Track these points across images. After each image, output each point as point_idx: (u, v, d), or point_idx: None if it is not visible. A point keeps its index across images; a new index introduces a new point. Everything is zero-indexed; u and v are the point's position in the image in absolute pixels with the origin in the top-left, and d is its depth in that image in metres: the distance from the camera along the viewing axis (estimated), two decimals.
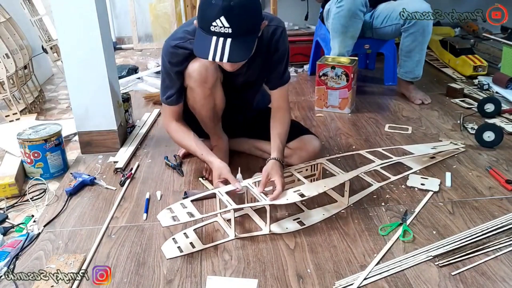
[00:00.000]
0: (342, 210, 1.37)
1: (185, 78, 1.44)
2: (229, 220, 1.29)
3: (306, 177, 1.42)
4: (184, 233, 1.27)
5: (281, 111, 1.50)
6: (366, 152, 1.66)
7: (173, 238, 1.26)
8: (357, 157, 1.69)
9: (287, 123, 1.50)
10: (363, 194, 1.45)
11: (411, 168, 1.60)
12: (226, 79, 1.49)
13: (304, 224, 1.30)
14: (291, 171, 1.44)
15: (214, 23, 1.17)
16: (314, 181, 1.46)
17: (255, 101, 1.66)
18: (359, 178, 1.53)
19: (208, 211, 1.37)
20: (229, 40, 1.18)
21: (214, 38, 1.19)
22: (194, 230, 1.29)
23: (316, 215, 1.35)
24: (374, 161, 1.54)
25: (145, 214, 1.38)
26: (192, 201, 1.29)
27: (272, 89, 1.50)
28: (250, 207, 1.35)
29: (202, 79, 1.41)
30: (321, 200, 1.42)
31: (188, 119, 1.56)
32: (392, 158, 1.60)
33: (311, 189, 1.32)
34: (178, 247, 1.22)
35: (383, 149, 1.70)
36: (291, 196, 1.29)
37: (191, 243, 1.24)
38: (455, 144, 1.77)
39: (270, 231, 1.27)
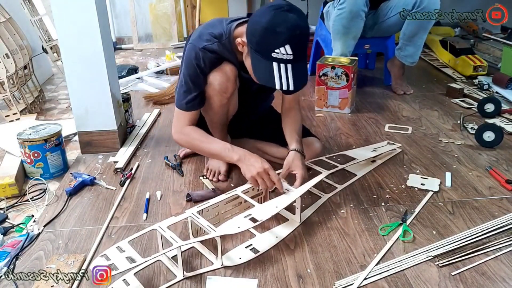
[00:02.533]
0: (294, 229, 1.28)
1: (206, 86, 1.42)
2: (173, 257, 1.15)
3: (252, 197, 1.32)
4: (124, 280, 1.09)
5: (293, 111, 1.51)
6: (310, 162, 1.55)
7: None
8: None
9: (300, 121, 1.51)
10: (313, 208, 1.37)
11: (356, 175, 1.56)
12: (242, 85, 1.48)
13: (259, 251, 1.19)
14: (237, 193, 1.30)
15: (277, 50, 1.17)
16: (262, 200, 1.36)
17: (263, 103, 1.66)
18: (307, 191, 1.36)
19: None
20: (289, 66, 1.20)
21: (275, 64, 1.19)
22: (134, 274, 1.11)
23: (269, 239, 1.24)
24: (321, 172, 1.45)
25: (145, 214, 1.38)
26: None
27: (286, 93, 1.49)
28: (188, 243, 1.16)
29: (223, 89, 1.40)
30: (271, 219, 1.30)
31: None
32: (337, 166, 1.54)
33: (262, 212, 1.20)
34: None
35: (326, 157, 1.63)
36: (242, 223, 1.16)
37: None
38: (392, 144, 1.78)
39: (222, 264, 1.14)
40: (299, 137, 1.44)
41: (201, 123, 1.53)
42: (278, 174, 1.33)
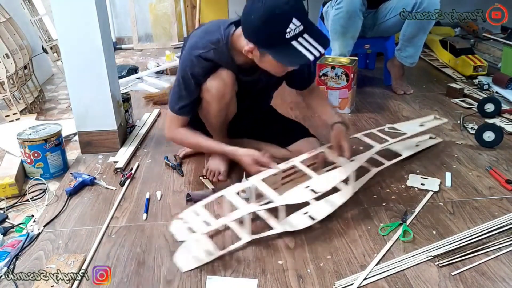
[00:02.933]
0: (348, 199, 1.36)
1: (202, 91, 1.42)
2: (241, 222, 1.25)
3: (308, 166, 1.41)
4: (197, 241, 1.20)
5: (315, 90, 1.59)
6: (362, 135, 1.66)
7: (185, 247, 1.19)
8: (355, 141, 1.68)
9: (325, 95, 1.59)
10: (362, 181, 1.45)
11: (401, 155, 1.65)
12: (242, 88, 1.47)
13: (315, 219, 1.29)
14: (295, 163, 1.40)
15: (288, 30, 1.17)
16: (315, 169, 1.42)
17: (262, 103, 1.66)
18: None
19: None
20: (306, 36, 1.20)
21: (294, 43, 1.20)
22: (204, 234, 1.21)
23: (325, 208, 1.32)
24: (373, 146, 1.55)
25: (145, 214, 1.38)
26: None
27: (301, 89, 1.54)
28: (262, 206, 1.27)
29: (220, 95, 1.41)
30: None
31: (192, 118, 1.54)
32: (388, 140, 1.62)
33: (321, 184, 1.30)
34: (194, 257, 1.16)
35: (377, 130, 1.72)
36: (303, 194, 1.27)
37: (206, 250, 1.18)
38: (439, 119, 1.83)
39: (283, 229, 1.25)
40: (333, 109, 1.49)
41: (201, 124, 1.54)
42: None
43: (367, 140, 1.60)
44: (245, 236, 1.22)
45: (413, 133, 1.69)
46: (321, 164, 1.49)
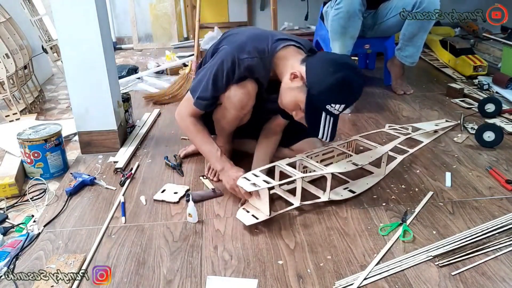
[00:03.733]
0: (380, 179, 1.54)
1: (224, 97, 1.42)
2: (288, 191, 1.42)
3: (341, 154, 1.60)
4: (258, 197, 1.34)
5: (276, 135, 1.61)
6: (388, 129, 1.88)
7: (243, 208, 1.35)
8: (382, 134, 1.90)
9: (274, 147, 1.62)
10: (392, 166, 1.62)
11: (422, 142, 1.82)
12: (257, 102, 1.46)
13: (355, 192, 1.45)
14: (334, 146, 1.58)
15: (333, 105, 1.26)
16: (348, 156, 1.57)
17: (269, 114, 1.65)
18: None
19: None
20: (332, 119, 1.29)
21: (324, 114, 1.28)
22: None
23: (361, 185, 1.50)
24: (399, 136, 1.74)
25: (123, 218, 1.37)
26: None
27: (284, 118, 1.55)
28: (310, 176, 1.46)
29: (242, 106, 1.41)
30: (358, 173, 1.55)
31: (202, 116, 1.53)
32: (410, 133, 1.81)
33: (362, 160, 1.47)
34: (252, 215, 1.31)
35: (400, 126, 1.92)
36: (347, 165, 1.42)
37: (262, 212, 1.32)
38: (450, 121, 2.01)
39: (329, 198, 1.39)
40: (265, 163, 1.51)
41: (211, 121, 1.55)
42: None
43: (392, 132, 1.83)
44: (296, 202, 1.37)
45: (430, 130, 1.87)
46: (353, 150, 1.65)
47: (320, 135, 1.30)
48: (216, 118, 1.53)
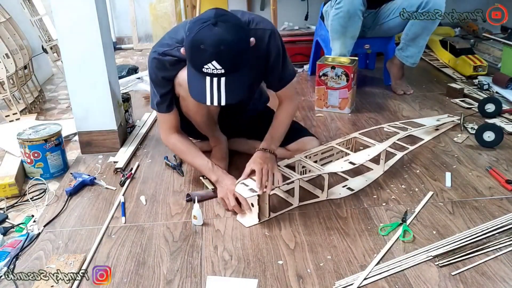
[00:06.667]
0: (379, 176, 1.55)
1: (176, 86, 1.41)
2: (287, 191, 1.45)
3: (341, 152, 1.60)
4: (251, 204, 1.33)
5: (284, 102, 1.50)
6: (387, 125, 1.87)
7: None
8: (381, 131, 1.90)
9: (287, 112, 1.50)
10: (391, 163, 1.63)
11: (423, 139, 1.83)
12: None
13: (353, 190, 1.46)
14: (332, 145, 1.59)
15: (206, 66, 1.14)
16: (346, 154, 1.58)
17: (251, 101, 1.65)
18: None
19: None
20: (223, 79, 1.17)
21: (208, 78, 1.17)
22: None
23: (361, 181, 1.52)
24: (398, 133, 1.73)
25: (123, 218, 1.37)
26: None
27: (276, 91, 1.48)
28: (306, 177, 1.47)
29: None
30: (357, 170, 1.55)
31: (185, 122, 1.54)
32: (411, 129, 1.79)
33: (358, 158, 1.49)
34: (252, 217, 1.32)
35: (400, 122, 1.91)
36: (343, 165, 1.45)
37: (262, 213, 1.33)
38: (452, 116, 2.02)
39: (327, 197, 1.41)
40: (274, 134, 1.46)
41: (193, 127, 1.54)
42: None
43: (391, 129, 1.82)
44: (295, 202, 1.39)
45: (431, 126, 1.88)
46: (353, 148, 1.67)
47: (208, 101, 1.18)
48: (184, 113, 1.50)
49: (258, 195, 1.29)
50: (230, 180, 1.41)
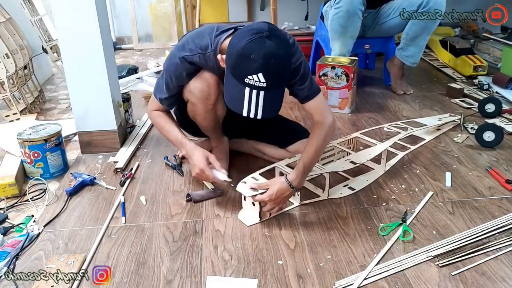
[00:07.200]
0: (380, 175, 1.56)
1: (185, 92, 1.42)
2: None
3: (342, 152, 1.61)
4: (252, 203, 1.34)
5: (316, 126, 1.37)
6: (389, 125, 1.91)
7: (245, 210, 1.37)
8: (381, 131, 1.92)
9: (318, 140, 1.34)
10: (392, 162, 1.63)
11: (424, 139, 1.83)
12: None
13: (354, 189, 1.47)
14: (334, 145, 1.60)
15: (250, 77, 1.14)
16: (348, 154, 1.59)
17: None
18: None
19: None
20: (262, 93, 1.16)
21: (247, 89, 1.16)
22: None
23: (362, 181, 1.52)
24: (399, 132, 1.75)
25: (123, 218, 1.37)
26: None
27: (302, 102, 1.39)
28: (308, 176, 1.44)
29: (204, 96, 1.40)
30: (358, 169, 1.56)
31: (188, 121, 1.55)
32: (412, 129, 1.82)
33: (359, 158, 1.51)
34: (253, 216, 1.33)
35: (401, 122, 1.95)
36: (344, 164, 1.48)
37: (263, 212, 1.35)
38: (453, 116, 2.03)
39: (328, 196, 1.42)
40: (303, 165, 1.32)
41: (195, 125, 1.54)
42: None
43: (392, 129, 1.85)
44: (296, 202, 1.41)
45: (433, 125, 1.89)
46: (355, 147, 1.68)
47: (244, 112, 1.18)
48: (191, 117, 1.52)
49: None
50: (198, 155, 1.38)
